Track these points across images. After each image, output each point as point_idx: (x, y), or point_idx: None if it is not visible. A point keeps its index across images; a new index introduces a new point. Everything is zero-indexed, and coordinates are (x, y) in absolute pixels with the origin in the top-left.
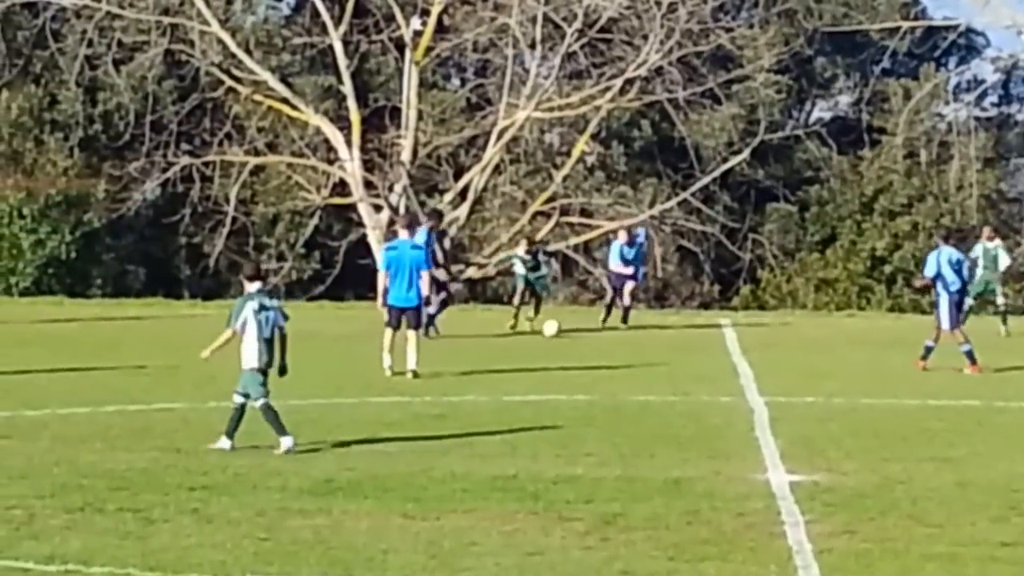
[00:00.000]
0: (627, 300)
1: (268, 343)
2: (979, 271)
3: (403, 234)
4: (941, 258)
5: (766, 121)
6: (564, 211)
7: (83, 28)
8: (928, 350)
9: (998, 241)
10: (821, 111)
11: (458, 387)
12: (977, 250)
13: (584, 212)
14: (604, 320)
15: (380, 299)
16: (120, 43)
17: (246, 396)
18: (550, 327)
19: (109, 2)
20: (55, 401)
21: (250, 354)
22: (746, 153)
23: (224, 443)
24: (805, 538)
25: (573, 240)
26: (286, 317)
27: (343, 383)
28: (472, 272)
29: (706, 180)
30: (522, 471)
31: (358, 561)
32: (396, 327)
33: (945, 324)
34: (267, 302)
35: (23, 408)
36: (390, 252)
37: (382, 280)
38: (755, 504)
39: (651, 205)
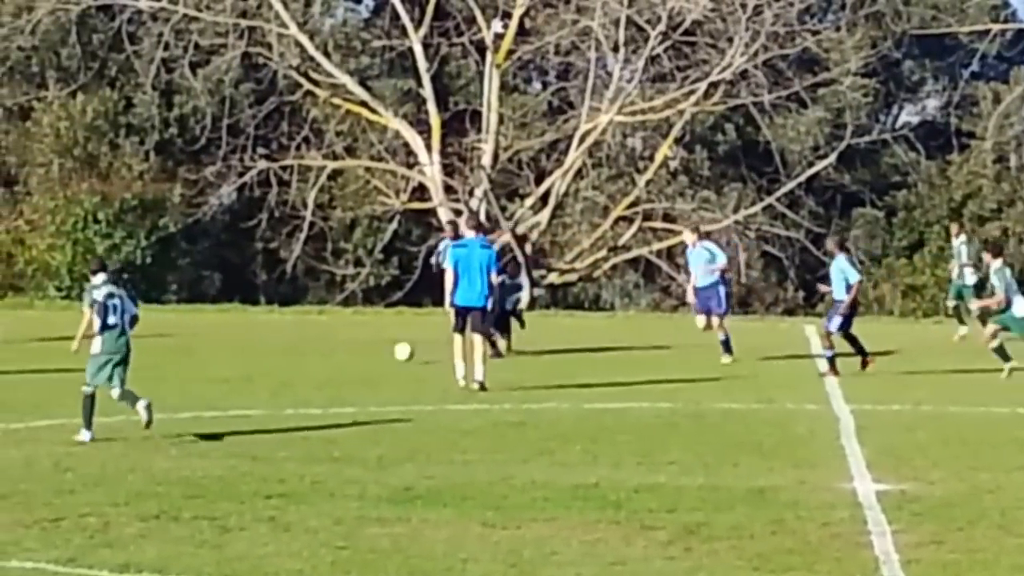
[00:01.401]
0: None
1: (111, 328)
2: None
3: (470, 233)
4: (835, 267)
5: (853, 125)
6: (647, 216)
7: (159, 31)
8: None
9: (963, 237)
10: (909, 115)
11: (538, 394)
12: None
13: (667, 217)
14: None
15: (448, 299)
16: (197, 46)
17: (94, 385)
18: (402, 350)
19: (186, 4)
20: (129, 408)
21: (96, 341)
22: (832, 157)
23: (84, 435)
24: (892, 548)
25: (656, 246)
26: (136, 304)
27: (421, 390)
28: (554, 278)
29: (791, 185)
30: (604, 480)
31: (437, 570)
32: (463, 330)
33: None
34: (115, 290)
35: (98, 415)
36: (458, 250)
37: (449, 279)
38: (841, 513)
39: (735, 210)
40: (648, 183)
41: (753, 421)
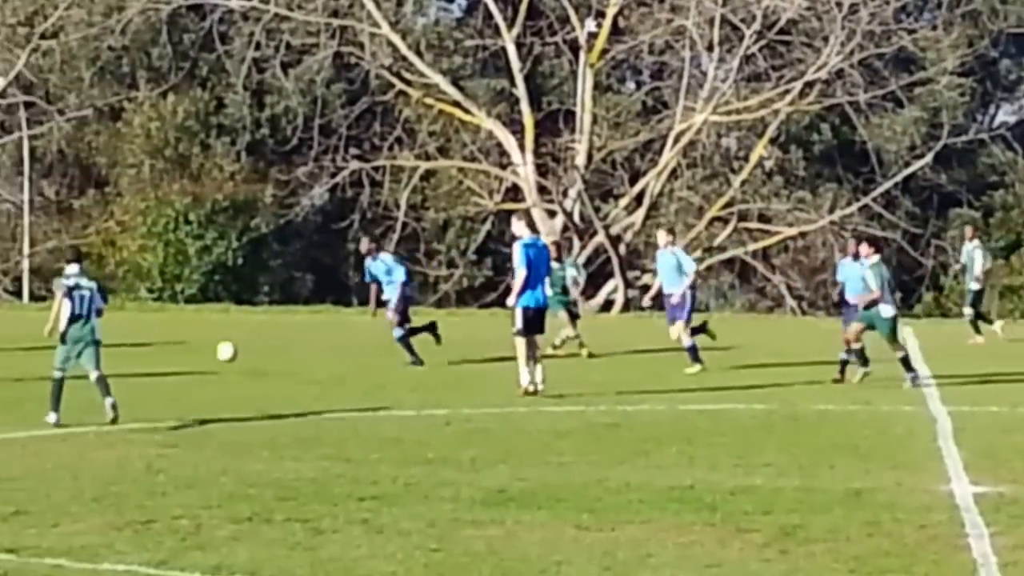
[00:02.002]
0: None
1: (77, 319)
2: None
3: (528, 232)
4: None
5: (949, 124)
6: (742, 216)
7: (250, 31)
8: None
9: (976, 242)
10: (1006, 114)
11: (633, 396)
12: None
13: (762, 218)
14: None
15: (514, 299)
16: (288, 46)
17: (63, 369)
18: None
19: (277, 4)
20: (221, 409)
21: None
22: (929, 157)
23: (51, 417)
24: (990, 551)
25: (751, 247)
26: (105, 299)
27: (514, 392)
28: (648, 279)
29: (887, 185)
30: (699, 482)
31: (531, 572)
32: (528, 332)
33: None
34: (83, 282)
35: (191, 416)
36: (529, 249)
37: (520, 280)
38: (938, 516)
39: (831, 211)
40: (743, 183)
41: (849, 423)
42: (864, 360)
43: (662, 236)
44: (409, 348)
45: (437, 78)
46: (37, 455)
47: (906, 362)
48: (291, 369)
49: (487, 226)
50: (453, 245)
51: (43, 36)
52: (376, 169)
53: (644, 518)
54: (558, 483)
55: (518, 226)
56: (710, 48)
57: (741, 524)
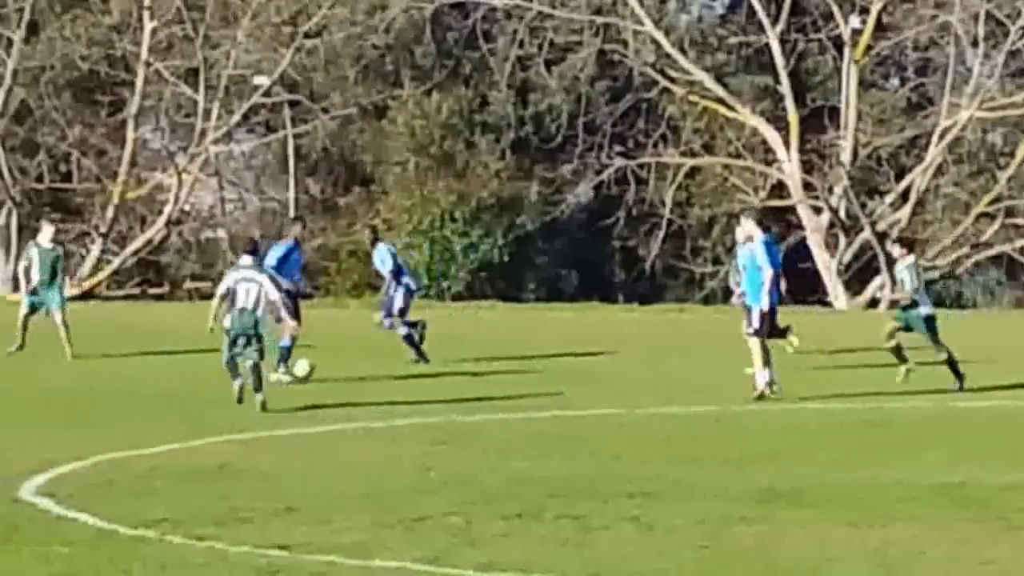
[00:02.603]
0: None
1: (243, 312)
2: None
3: (760, 230)
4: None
5: None
6: (1009, 212)
7: (514, 28)
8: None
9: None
10: None
11: (900, 393)
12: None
13: None
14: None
15: (765, 299)
16: (552, 43)
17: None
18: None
19: (541, 2)
20: (490, 406)
21: (227, 318)
22: None
23: (235, 384)
24: None
25: (1019, 243)
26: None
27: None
28: None
29: None
30: (970, 479)
31: (801, 570)
32: (764, 333)
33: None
34: (251, 275)
35: (458, 413)
36: (774, 248)
37: (769, 278)
38: None
39: None
40: (1010, 179)
41: None
42: (903, 358)
43: (896, 249)
44: (414, 346)
45: (701, 75)
46: (308, 452)
47: (951, 365)
48: (558, 366)
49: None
50: (719, 242)
51: (307, 35)
52: (641, 166)
53: (915, 516)
54: (827, 481)
55: (749, 224)
56: (975, 44)
57: (1013, 521)
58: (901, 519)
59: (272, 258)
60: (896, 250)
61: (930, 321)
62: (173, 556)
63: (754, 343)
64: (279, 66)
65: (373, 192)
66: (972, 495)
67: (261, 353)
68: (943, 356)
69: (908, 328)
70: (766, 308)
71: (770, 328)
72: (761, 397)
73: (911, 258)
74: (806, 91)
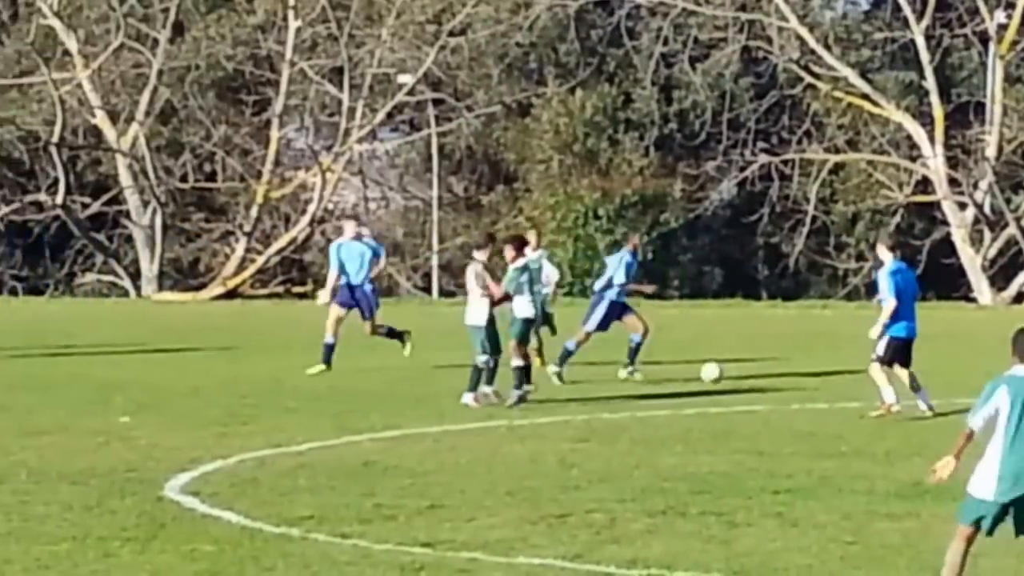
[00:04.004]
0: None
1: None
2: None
3: (891, 255)
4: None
5: None
6: None
7: (658, 26)
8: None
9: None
10: None
11: None
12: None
13: None
14: None
15: (878, 328)
16: (696, 40)
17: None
18: (711, 371)
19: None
20: (634, 404)
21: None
22: None
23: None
24: None
25: None
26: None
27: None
28: None
29: None
30: None
31: None
32: (892, 363)
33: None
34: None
35: (602, 410)
36: (897, 276)
37: (888, 311)
38: None
39: None
40: None
41: None
42: None
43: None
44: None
45: (846, 71)
46: (451, 449)
47: None
48: (701, 363)
49: (897, 219)
50: (863, 238)
51: (451, 33)
52: (785, 163)
53: None
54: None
55: (881, 251)
56: None
57: None
58: None
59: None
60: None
61: None
62: (317, 554)
63: (874, 369)
64: (423, 64)
65: (516, 190)
66: None
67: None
68: None
69: None
70: (895, 335)
71: (891, 359)
72: (885, 414)
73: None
74: (951, 86)
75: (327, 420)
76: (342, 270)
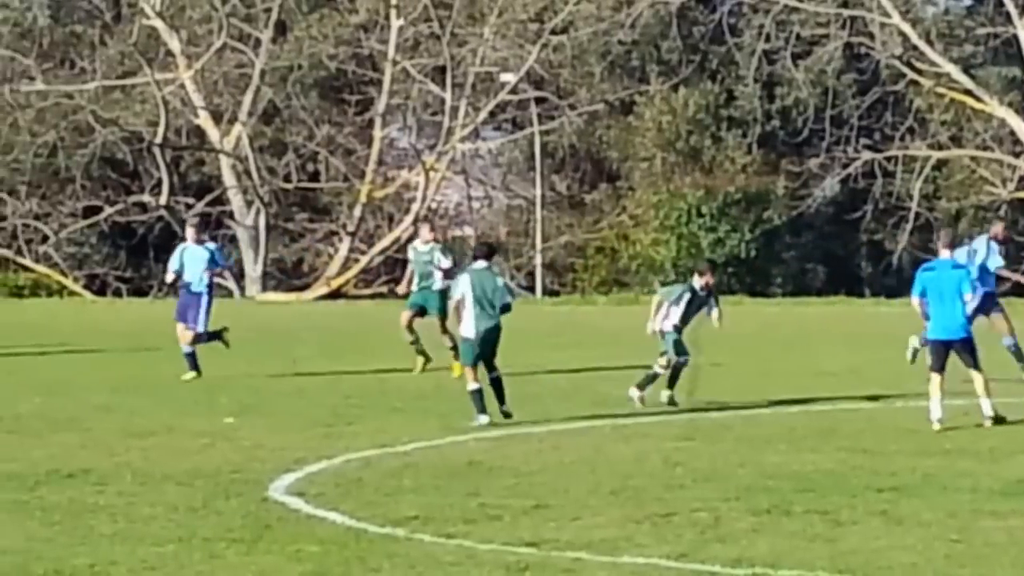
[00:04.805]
0: None
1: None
2: None
3: (944, 253)
4: None
5: None
6: None
7: (760, 23)
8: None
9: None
10: None
11: None
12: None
13: None
14: None
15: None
16: (798, 37)
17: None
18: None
19: None
20: (738, 402)
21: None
22: None
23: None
24: None
25: None
26: (512, 295)
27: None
28: None
29: None
30: None
31: None
32: (942, 369)
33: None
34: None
35: (706, 409)
36: (926, 274)
37: (918, 308)
38: None
39: None
40: None
41: None
42: None
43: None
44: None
45: (948, 67)
46: (556, 449)
47: None
48: (805, 361)
49: (1001, 215)
50: (966, 234)
51: (553, 31)
52: (888, 159)
53: None
54: None
55: (941, 249)
56: None
57: None
58: None
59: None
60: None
61: None
62: (422, 554)
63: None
64: (526, 63)
65: (619, 188)
66: None
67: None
68: None
69: None
70: (929, 338)
71: (937, 366)
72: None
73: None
74: None
75: (432, 420)
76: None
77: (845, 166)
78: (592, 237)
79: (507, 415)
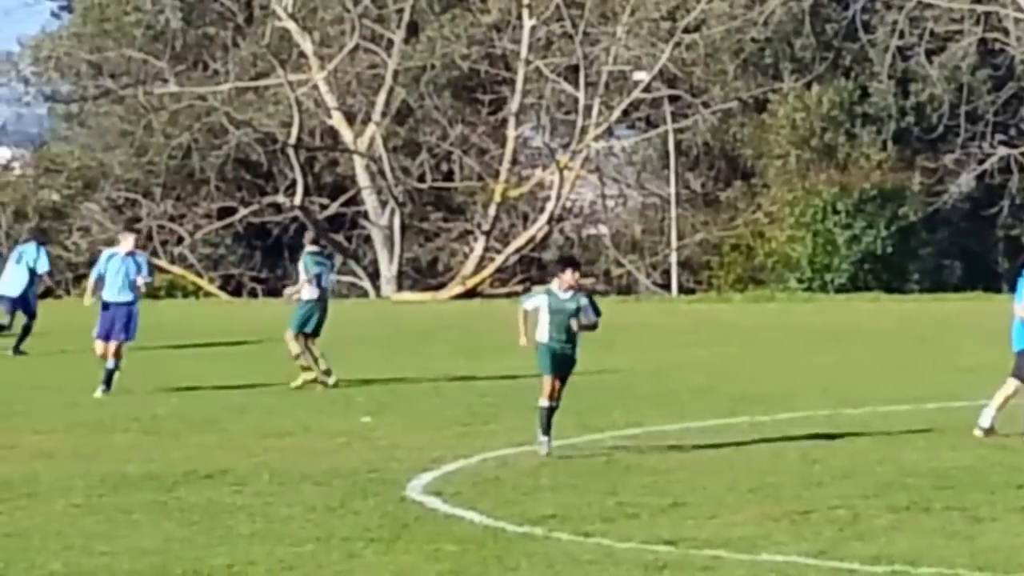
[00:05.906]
0: None
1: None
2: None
3: None
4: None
5: None
6: None
7: (893, 19)
8: None
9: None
10: None
11: None
12: None
13: None
14: None
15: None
16: (932, 33)
17: None
18: None
19: None
20: (876, 398)
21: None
22: None
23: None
24: None
25: None
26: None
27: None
28: None
29: None
30: None
31: None
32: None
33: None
34: None
35: (844, 406)
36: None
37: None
38: None
39: None
40: None
41: None
42: None
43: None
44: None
45: None
46: (693, 447)
47: None
48: (943, 357)
49: None
50: None
51: (686, 30)
52: None
53: None
54: None
55: None
56: None
57: None
58: None
59: None
60: None
61: None
62: (560, 553)
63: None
64: (658, 61)
65: (754, 186)
66: None
67: None
68: None
69: None
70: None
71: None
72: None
73: None
74: None
75: (569, 418)
76: None
77: (981, 162)
78: (727, 235)
79: None
